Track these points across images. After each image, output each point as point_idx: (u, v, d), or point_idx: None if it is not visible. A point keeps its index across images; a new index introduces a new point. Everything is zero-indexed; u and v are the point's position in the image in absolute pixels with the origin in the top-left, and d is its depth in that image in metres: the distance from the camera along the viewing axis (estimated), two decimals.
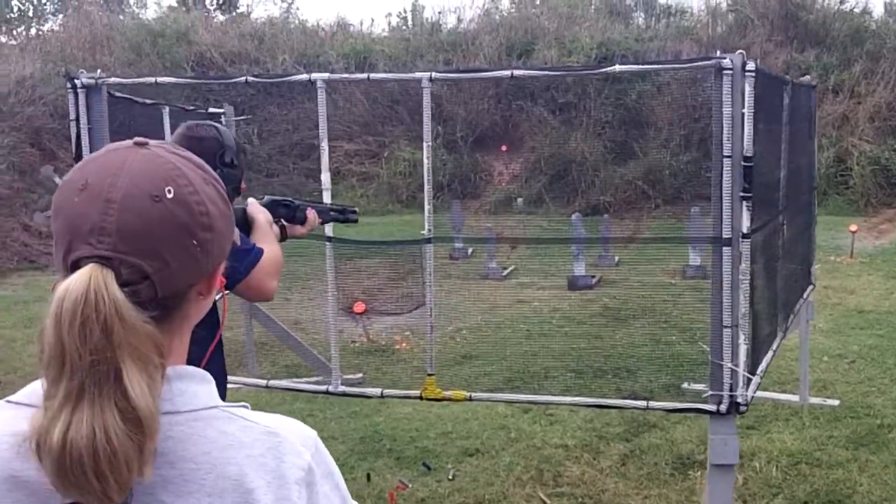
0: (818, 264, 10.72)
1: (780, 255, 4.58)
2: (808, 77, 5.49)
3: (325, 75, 3.80)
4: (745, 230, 3.40)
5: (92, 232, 0.99)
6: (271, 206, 2.93)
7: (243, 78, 3.98)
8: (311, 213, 3.03)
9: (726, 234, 3.41)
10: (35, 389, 1.03)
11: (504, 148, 17.25)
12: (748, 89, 3.32)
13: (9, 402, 1.06)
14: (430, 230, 3.71)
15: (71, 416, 0.94)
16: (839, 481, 4.63)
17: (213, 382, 1.10)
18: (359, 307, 7.90)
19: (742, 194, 3.38)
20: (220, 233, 1.08)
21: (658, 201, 15.83)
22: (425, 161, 3.71)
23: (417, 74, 3.70)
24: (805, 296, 5.54)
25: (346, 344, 7.90)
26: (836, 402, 5.80)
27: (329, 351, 7.42)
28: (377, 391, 3.88)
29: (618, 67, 3.51)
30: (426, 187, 3.69)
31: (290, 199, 3.05)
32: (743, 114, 3.34)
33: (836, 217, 13.56)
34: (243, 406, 1.11)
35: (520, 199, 16.52)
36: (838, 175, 14.68)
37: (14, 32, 22.91)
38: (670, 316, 8.62)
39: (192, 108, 5.93)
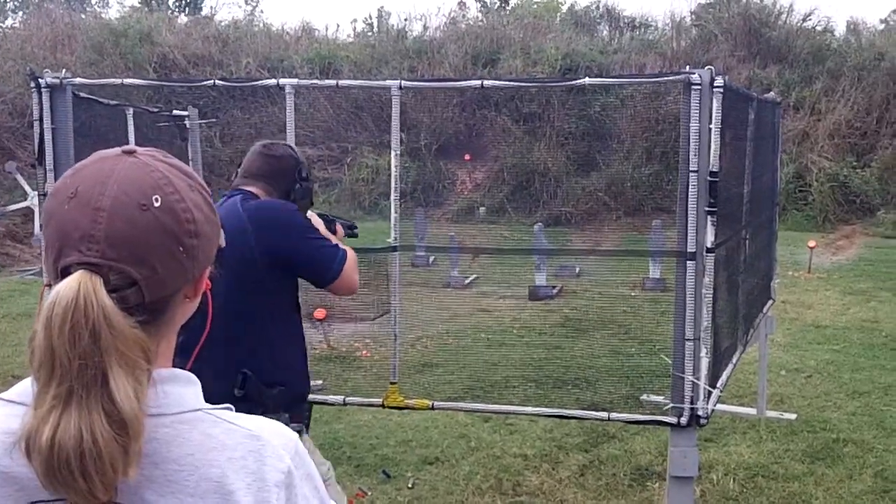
0: (777, 279, 10.94)
1: (742, 269, 4.62)
2: (772, 94, 5.56)
3: (294, 81, 3.78)
4: (709, 245, 3.42)
5: (81, 239, 1.03)
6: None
7: (211, 81, 3.93)
8: (339, 227, 3.25)
9: (691, 248, 3.43)
10: (26, 388, 1.05)
11: (467, 157, 17.30)
12: (716, 105, 3.35)
13: (1, 398, 1.08)
14: (395, 238, 3.68)
15: (59, 418, 0.97)
16: (795, 494, 4.68)
17: (199, 384, 1.14)
18: (319, 314, 7.84)
19: (707, 209, 3.41)
20: (206, 238, 1.11)
21: (619, 213, 15.97)
22: (393, 169, 3.70)
23: (387, 82, 3.69)
24: (765, 310, 5.60)
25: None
26: (793, 416, 5.86)
27: None
28: (339, 398, 3.85)
29: (587, 80, 3.53)
30: (392, 195, 3.67)
31: (325, 213, 3.27)
32: (710, 129, 3.36)
33: (794, 232, 13.77)
34: (227, 408, 1.14)
35: (482, 208, 16.57)
36: (798, 191, 14.91)
37: None
38: (630, 328, 8.69)
39: (156, 110, 5.87)
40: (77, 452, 0.95)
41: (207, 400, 1.12)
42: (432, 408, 3.77)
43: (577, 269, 11.54)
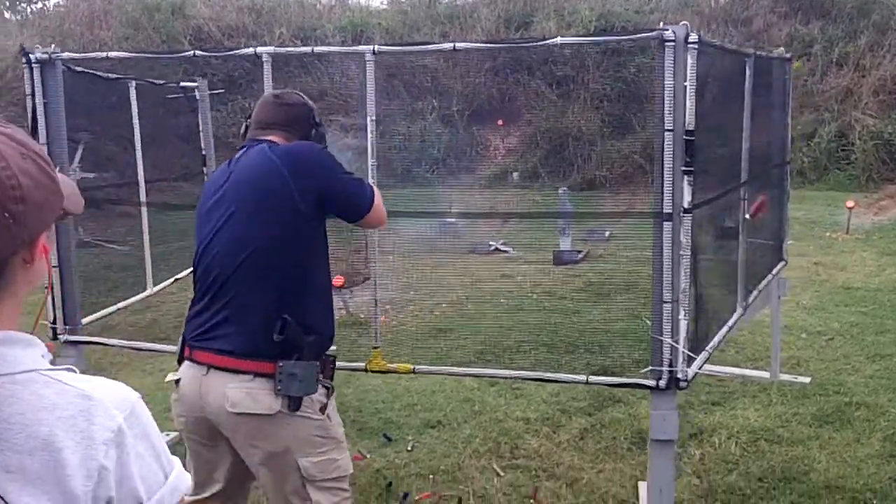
0: (812, 241, 10.71)
1: (739, 229, 4.53)
2: (781, 49, 5.39)
3: (271, 49, 3.76)
4: (686, 205, 3.35)
5: None
6: None
7: (191, 52, 3.94)
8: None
9: (667, 208, 3.36)
10: None
11: (500, 122, 17.15)
12: (690, 62, 3.26)
13: None
14: None
15: None
16: (797, 458, 4.60)
17: (40, 346, 1.17)
18: (338, 281, 7.88)
19: (684, 168, 3.33)
20: (37, 204, 1.14)
21: (655, 176, 15.69)
22: (369, 136, 3.67)
23: (360, 48, 3.65)
24: (775, 272, 5.48)
25: None
26: (807, 380, 5.76)
27: None
28: (359, 365, 3.87)
29: (559, 39, 3.46)
30: (370, 161, 3.65)
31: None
32: (685, 87, 3.28)
33: (836, 192, 13.43)
34: (68, 370, 1.17)
35: (515, 174, 16.44)
36: (840, 150, 14.51)
37: (18, 7, 22.87)
38: (652, 292, 8.56)
39: (162, 82, 5.89)
40: None
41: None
42: (413, 371, 3.76)
43: (608, 233, 11.41)
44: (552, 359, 6.33)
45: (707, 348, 3.89)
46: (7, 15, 21.33)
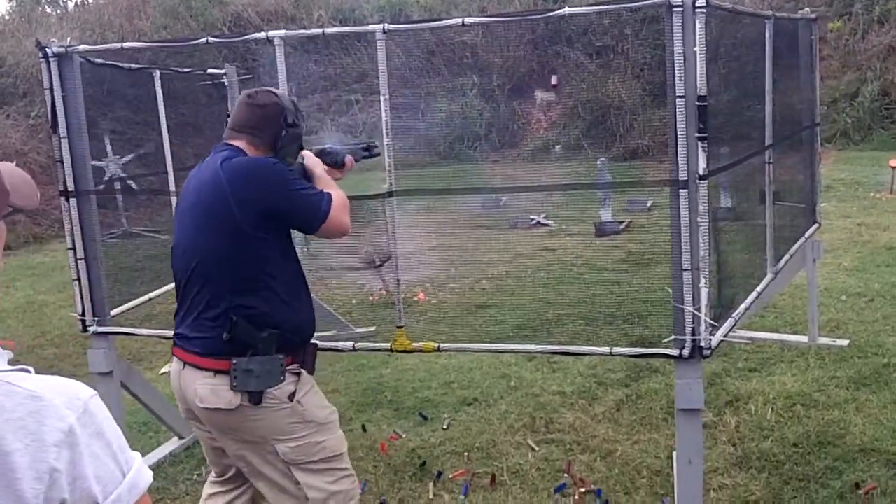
0: (855, 202, 10.51)
1: (766, 193, 4.48)
2: (806, 10, 5.29)
3: (282, 32, 3.80)
4: (701, 171, 3.33)
5: None
6: (320, 156, 3.21)
7: (204, 39, 3.98)
8: (349, 159, 3.28)
9: (682, 176, 3.34)
10: None
11: (554, 83, 16.94)
12: (699, 26, 3.23)
13: None
14: (391, 184, 3.70)
15: None
16: (833, 422, 4.56)
17: None
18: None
19: (697, 135, 3.31)
20: None
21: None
22: (383, 114, 3.70)
23: (371, 27, 3.68)
24: (808, 235, 5.41)
25: (365, 298, 8.00)
26: (846, 343, 5.68)
27: (345, 306, 7.56)
28: (349, 345, 3.91)
29: (567, 10, 3.45)
30: (385, 139, 3.68)
31: (331, 146, 3.29)
32: (695, 52, 3.25)
33: (880, 152, 13.15)
34: (23, 370, 1.14)
35: (558, 146, 16.36)
36: (883, 109, 14.20)
37: (60, 3, 23.26)
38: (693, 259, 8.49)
39: (187, 70, 5.97)
40: None
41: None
42: (438, 349, 3.80)
43: (649, 203, 11.32)
44: (590, 331, 6.31)
45: (734, 315, 3.87)
46: (48, 10, 21.70)
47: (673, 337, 3.50)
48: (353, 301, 8.01)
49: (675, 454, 4.30)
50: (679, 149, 3.32)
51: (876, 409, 4.68)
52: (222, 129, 3.07)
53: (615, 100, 16.15)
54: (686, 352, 3.44)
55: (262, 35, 3.80)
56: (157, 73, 5.27)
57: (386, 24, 3.60)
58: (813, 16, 5.27)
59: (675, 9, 3.22)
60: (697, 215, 3.36)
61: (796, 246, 5.12)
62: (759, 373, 5.34)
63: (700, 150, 3.31)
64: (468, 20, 3.47)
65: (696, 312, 3.40)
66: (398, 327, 3.87)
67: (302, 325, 3.00)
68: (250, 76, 7.15)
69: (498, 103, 17.09)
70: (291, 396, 2.87)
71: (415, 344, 3.82)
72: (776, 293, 5.77)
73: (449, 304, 7.74)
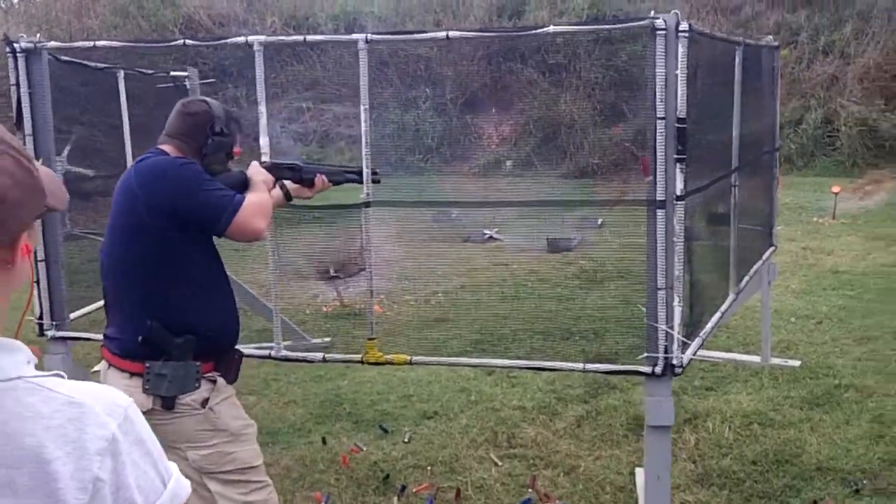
0: (800, 226, 10.77)
1: (732, 216, 4.56)
2: (770, 38, 5.43)
3: (262, 38, 3.76)
4: (678, 192, 3.38)
5: None
6: (273, 169, 3.22)
7: (181, 41, 3.94)
8: (319, 178, 3.30)
9: (660, 196, 3.39)
10: None
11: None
12: (681, 50, 3.29)
13: None
14: (368, 194, 3.69)
15: None
16: (789, 441, 4.66)
17: (24, 351, 1.10)
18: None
19: (676, 156, 3.37)
20: (15, 203, 1.08)
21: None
22: (363, 125, 3.69)
23: (354, 36, 3.67)
24: (765, 257, 5.53)
25: (319, 308, 7.94)
26: (797, 363, 5.82)
27: (298, 316, 7.49)
28: (319, 356, 3.88)
29: (552, 28, 3.48)
30: (364, 150, 3.67)
31: (296, 162, 3.31)
32: (676, 75, 3.31)
33: (822, 178, 13.51)
34: (56, 375, 1.11)
35: (509, 162, 16.46)
36: (826, 136, 14.60)
37: None
38: (645, 278, 8.61)
39: (151, 72, 5.88)
40: None
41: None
42: (410, 362, 3.79)
43: (599, 221, 11.45)
44: (547, 346, 6.36)
45: (701, 334, 3.93)
46: None
47: (645, 354, 3.54)
48: (307, 311, 7.95)
49: (638, 470, 4.38)
50: (658, 169, 3.36)
51: (829, 428, 4.79)
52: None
53: (566, 118, 16.32)
54: (658, 369, 3.49)
55: (241, 39, 3.76)
56: (122, 74, 5.18)
57: (368, 34, 3.60)
58: (776, 44, 5.41)
59: (658, 32, 3.29)
60: (673, 235, 3.41)
61: (755, 268, 5.23)
62: (716, 391, 5.43)
63: (678, 170, 3.36)
64: (452, 34, 3.48)
65: (669, 330, 3.45)
66: (370, 339, 3.85)
67: (223, 330, 3.00)
68: (213, 80, 7.06)
69: (450, 117, 17.16)
70: (204, 403, 2.87)
71: (386, 356, 3.80)
72: (731, 313, 5.88)
73: (405, 318, 7.73)
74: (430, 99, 16.96)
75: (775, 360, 5.85)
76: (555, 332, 6.76)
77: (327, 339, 6.73)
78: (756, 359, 5.89)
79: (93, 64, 4.79)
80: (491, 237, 11.05)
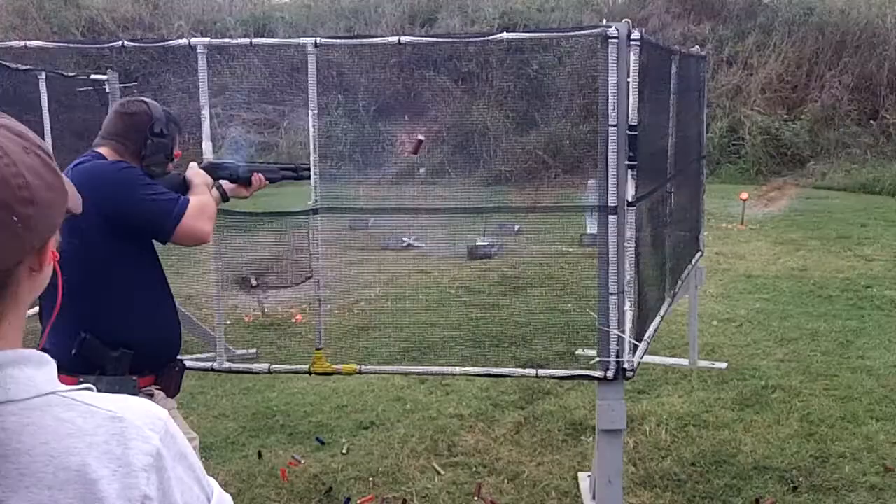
0: (710, 231, 11.08)
1: (667, 222, 4.64)
2: (697, 48, 5.56)
3: (206, 40, 3.66)
4: (630, 198, 3.42)
5: None
6: (210, 169, 3.15)
7: (119, 43, 3.79)
8: (256, 177, 3.23)
9: (612, 202, 3.42)
10: None
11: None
12: (633, 58, 3.33)
13: None
14: (316, 200, 3.62)
15: None
16: (725, 442, 4.76)
17: (53, 364, 1.04)
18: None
19: (627, 163, 3.40)
20: (46, 205, 1.01)
21: (558, 170, 16.02)
22: (311, 130, 3.63)
23: (302, 40, 3.60)
24: (693, 262, 5.65)
25: (239, 318, 7.77)
26: (724, 365, 5.96)
27: (222, 326, 7.31)
28: (264, 367, 3.79)
29: (505, 35, 3.49)
30: (312, 156, 3.60)
31: (230, 161, 3.23)
32: (628, 83, 3.34)
33: (728, 185, 13.95)
34: (87, 389, 1.05)
35: (422, 169, 16.46)
36: (731, 145, 15.09)
37: None
38: (566, 283, 8.73)
39: (72, 74, 5.67)
40: None
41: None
42: (360, 372, 3.73)
43: (516, 228, 11.55)
44: (479, 354, 6.37)
45: (646, 338, 3.98)
46: None
47: (598, 359, 3.56)
48: (228, 322, 7.76)
49: (581, 475, 4.41)
50: (609, 175, 3.39)
51: (762, 428, 4.91)
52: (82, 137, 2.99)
53: (479, 126, 16.43)
54: (611, 373, 3.51)
55: (183, 42, 3.65)
56: (43, 76, 4.98)
57: (318, 38, 3.54)
58: (703, 54, 5.54)
59: (610, 40, 3.31)
60: (625, 240, 3.44)
61: (686, 272, 5.34)
62: (648, 394, 5.51)
63: (630, 177, 3.40)
64: (404, 39, 3.45)
65: (621, 335, 3.48)
66: (317, 349, 3.77)
67: (163, 342, 2.90)
68: (134, 83, 6.86)
69: (363, 124, 17.08)
70: None
71: (335, 366, 3.73)
72: (665, 317, 6.00)
73: (329, 327, 7.61)
74: (342, 105, 16.86)
75: (702, 363, 5.98)
76: (483, 339, 6.78)
77: (252, 351, 6.59)
78: (684, 362, 6.02)
79: (14, 65, 4.58)
80: (409, 244, 11.02)
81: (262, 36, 17.50)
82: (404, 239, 11.05)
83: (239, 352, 6.35)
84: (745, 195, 11.69)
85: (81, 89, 6.13)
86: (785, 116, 14.80)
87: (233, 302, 8.28)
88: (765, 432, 4.86)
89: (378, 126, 17.34)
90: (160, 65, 16.40)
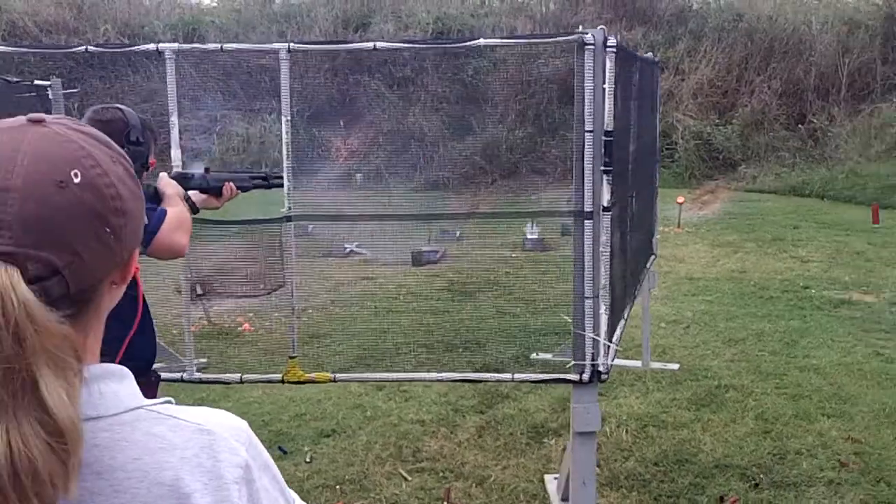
0: (658, 234, 11.28)
1: (630, 226, 4.71)
2: (650, 54, 5.66)
3: (175, 45, 3.59)
4: (605, 203, 3.46)
5: None
6: (180, 179, 3.10)
7: (83, 47, 3.69)
8: (227, 187, 3.22)
9: (588, 207, 3.46)
10: None
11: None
12: (609, 64, 3.37)
13: None
14: (289, 208, 3.58)
15: None
16: (685, 441, 4.85)
17: (132, 377, 1.03)
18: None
19: (603, 168, 3.44)
20: (133, 216, 0.99)
21: (495, 176, 16.12)
22: (284, 136, 3.60)
23: (275, 45, 3.56)
24: (648, 265, 5.74)
25: (183, 328, 7.63)
26: (676, 366, 6.06)
27: (167, 336, 7.17)
28: (236, 377, 3.72)
29: (482, 41, 3.50)
30: (284, 163, 3.56)
31: (200, 171, 3.21)
32: (604, 89, 3.38)
33: (663, 189, 14.16)
34: (168, 401, 1.04)
35: (359, 175, 16.40)
36: (665, 149, 15.37)
37: None
38: (513, 288, 8.80)
39: (16, 80, 5.50)
40: (9, 470, 0.84)
41: None
42: (334, 380, 3.70)
43: (458, 233, 11.59)
44: (433, 359, 6.37)
45: (614, 341, 4.03)
46: None
47: (573, 362, 3.59)
48: (174, 331, 7.62)
49: (547, 477, 4.45)
50: (585, 181, 3.43)
51: (719, 427, 5.02)
52: None
53: (416, 131, 16.45)
54: (586, 376, 3.55)
55: (152, 47, 3.57)
56: None
57: (291, 44, 3.51)
58: (657, 59, 5.64)
59: (587, 46, 3.35)
60: (600, 245, 3.48)
61: (644, 275, 5.42)
62: (605, 396, 5.58)
63: (605, 182, 3.44)
64: (380, 44, 3.43)
65: (596, 338, 3.52)
66: (290, 357, 3.73)
67: (140, 352, 2.82)
68: (76, 90, 6.69)
69: (297, 129, 16.92)
70: None
71: (309, 375, 3.69)
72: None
73: (277, 335, 7.55)
74: (276, 111, 16.71)
75: (655, 364, 6.06)
76: (438, 344, 6.78)
77: (203, 360, 6.47)
78: (637, 363, 6.09)
79: None
80: (352, 251, 10.96)
81: (192, 41, 17.24)
82: (346, 245, 10.98)
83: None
84: (681, 199, 11.93)
85: (23, 95, 5.96)
86: (716, 121, 15.16)
87: (176, 311, 8.13)
88: (722, 431, 4.97)
89: (313, 132, 17.23)
90: (86, 70, 16.04)
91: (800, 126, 15.20)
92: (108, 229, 0.95)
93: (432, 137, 16.38)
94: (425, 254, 10.24)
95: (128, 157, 1.03)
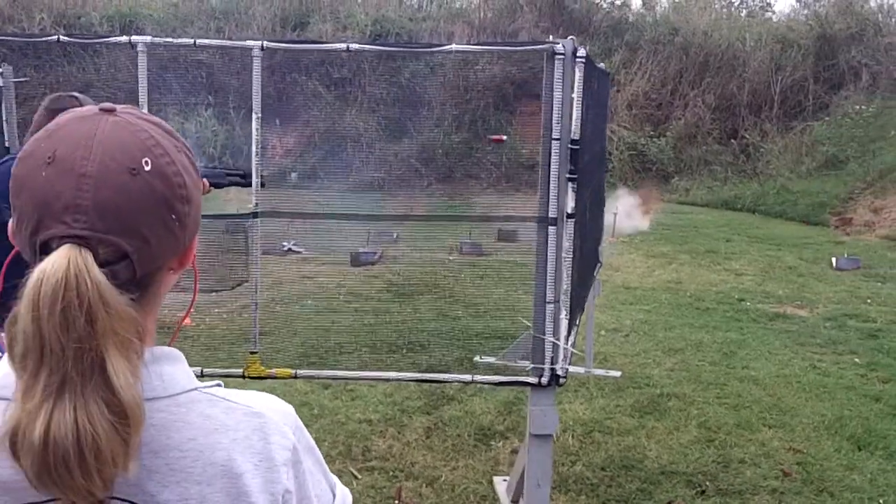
0: (604, 243, 11.47)
1: (583, 234, 4.80)
2: (603, 64, 5.78)
3: (147, 38, 3.54)
4: (569, 210, 3.53)
5: (66, 210, 0.92)
6: None
7: (55, 37, 3.61)
8: (202, 182, 3.05)
9: (552, 213, 3.52)
10: (4, 381, 0.94)
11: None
12: (578, 74, 3.44)
13: None
14: (256, 204, 3.57)
15: (52, 410, 0.88)
16: (630, 447, 4.95)
17: (185, 360, 1.07)
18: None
19: (568, 176, 3.51)
20: (196, 204, 1.04)
21: (431, 179, 16.17)
22: (254, 133, 3.57)
23: (248, 42, 3.55)
24: (595, 273, 5.85)
25: None
26: (618, 374, 6.15)
27: None
28: (196, 370, 3.68)
29: (454, 47, 3.54)
30: (254, 160, 3.55)
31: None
32: (572, 98, 3.45)
33: None
34: (218, 385, 1.07)
35: (294, 174, 16.28)
36: None
37: None
38: (453, 291, 8.86)
39: None
40: (75, 448, 0.87)
41: None
42: (295, 376, 3.70)
43: (395, 235, 11.60)
44: (377, 359, 6.38)
45: (570, 345, 4.10)
46: None
47: (532, 365, 3.65)
48: None
49: (496, 479, 4.50)
50: (551, 188, 3.49)
51: (663, 435, 5.14)
52: None
53: (352, 132, 16.40)
54: (545, 380, 3.61)
55: (124, 39, 3.51)
56: None
57: (264, 42, 3.49)
58: (608, 70, 5.76)
59: (557, 56, 3.42)
60: (563, 251, 3.55)
61: (593, 283, 5.52)
62: None
63: (570, 190, 3.51)
64: (353, 46, 3.45)
65: (556, 342, 3.58)
66: (251, 353, 3.71)
67: None
68: (26, 79, 6.52)
69: (233, 126, 16.74)
70: None
71: (269, 370, 3.68)
72: None
73: (219, 331, 7.46)
74: (213, 107, 16.47)
75: (598, 371, 6.16)
76: (381, 345, 6.79)
77: None
78: (580, 370, 6.18)
79: None
80: (290, 249, 10.88)
81: (128, 33, 16.89)
82: (284, 244, 10.90)
83: None
84: (617, 209, 12.14)
85: None
86: (650, 133, 15.46)
87: None
88: (667, 438, 5.09)
89: (248, 129, 17.04)
90: (19, 59, 15.58)
91: (732, 141, 15.63)
92: (173, 216, 0.99)
93: (368, 138, 16.37)
94: (363, 254, 10.23)
95: (189, 147, 1.06)
